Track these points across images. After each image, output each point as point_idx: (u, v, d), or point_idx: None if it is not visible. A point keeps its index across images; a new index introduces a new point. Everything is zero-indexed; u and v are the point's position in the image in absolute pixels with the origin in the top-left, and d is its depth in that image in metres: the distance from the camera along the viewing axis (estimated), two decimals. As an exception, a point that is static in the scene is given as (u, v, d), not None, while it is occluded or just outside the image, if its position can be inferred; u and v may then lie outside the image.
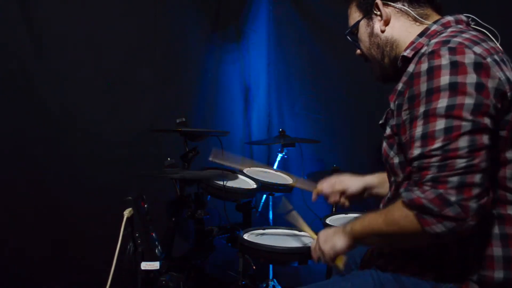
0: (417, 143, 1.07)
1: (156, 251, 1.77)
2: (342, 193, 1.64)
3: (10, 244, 2.38)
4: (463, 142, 1.02)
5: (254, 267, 2.07)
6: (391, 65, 1.33)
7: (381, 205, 1.38)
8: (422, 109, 1.07)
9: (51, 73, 2.47)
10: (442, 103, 1.04)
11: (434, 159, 1.03)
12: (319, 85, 3.12)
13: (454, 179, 1.01)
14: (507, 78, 1.09)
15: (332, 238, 1.31)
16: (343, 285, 1.26)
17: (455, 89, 1.04)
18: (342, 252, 1.30)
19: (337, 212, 2.52)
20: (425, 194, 1.03)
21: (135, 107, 2.72)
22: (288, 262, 1.96)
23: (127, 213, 1.70)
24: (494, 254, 1.10)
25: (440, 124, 1.04)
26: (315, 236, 1.63)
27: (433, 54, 1.08)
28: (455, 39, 1.11)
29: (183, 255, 2.25)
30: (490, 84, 1.05)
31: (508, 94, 1.08)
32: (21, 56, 2.39)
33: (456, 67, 1.05)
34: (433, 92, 1.06)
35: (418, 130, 1.07)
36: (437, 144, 1.03)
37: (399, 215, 1.10)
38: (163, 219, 2.52)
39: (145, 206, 1.83)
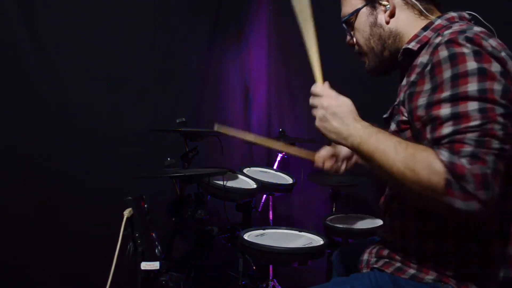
0: (448, 123, 1.01)
1: (156, 251, 1.77)
2: (337, 157, 1.67)
3: (10, 244, 2.38)
4: (499, 124, 0.98)
5: (254, 267, 2.07)
6: (390, 58, 1.30)
7: (381, 201, 1.36)
8: (448, 93, 1.02)
9: (50, 73, 2.47)
10: (473, 86, 1.00)
11: (470, 135, 0.97)
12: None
13: (491, 159, 0.96)
14: None
15: (342, 127, 1.15)
16: (342, 287, 1.25)
17: (484, 74, 1.01)
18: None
19: (337, 212, 2.53)
20: (472, 166, 0.95)
21: (135, 107, 2.72)
22: (288, 262, 1.96)
23: (127, 213, 1.70)
24: (494, 252, 1.10)
25: (473, 105, 0.99)
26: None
27: (452, 42, 1.06)
28: (471, 30, 1.09)
29: (183, 255, 2.25)
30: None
31: None
32: (21, 56, 2.40)
33: (480, 55, 1.03)
34: (459, 77, 1.02)
35: (446, 111, 1.01)
36: (475, 122, 0.98)
37: (424, 166, 1.00)
38: (163, 219, 2.52)
39: (145, 206, 1.83)
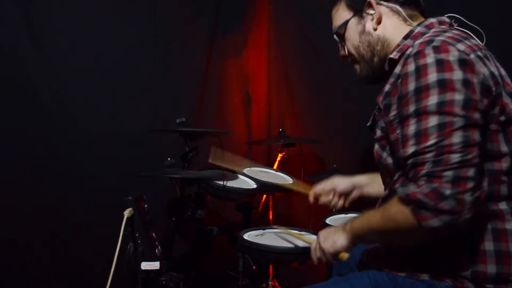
0: (411, 141, 1.08)
1: (156, 251, 1.77)
2: (334, 193, 1.65)
3: (10, 244, 2.38)
4: (456, 137, 1.03)
5: (254, 267, 2.07)
6: (379, 65, 1.34)
7: (377, 206, 1.38)
8: (412, 108, 1.09)
9: (50, 73, 2.47)
10: (433, 100, 1.06)
11: (428, 155, 1.04)
12: (319, 85, 3.11)
13: (449, 173, 1.02)
14: (491, 73, 1.11)
15: (333, 236, 1.31)
16: (342, 285, 1.26)
17: (444, 85, 1.06)
18: (343, 250, 1.30)
19: (337, 212, 2.52)
20: (420, 188, 1.03)
21: (135, 107, 2.72)
22: (288, 262, 1.96)
23: (127, 213, 1.69)
24: (486, 249, 1.11)
25: (433, 121, 1.05)
26: (309, 241, 1.65)
27: (419, 54, 1.11)
28: (438, 38, 1.14)
29: (183, 255, 2.25)
30: (475, 79, 1.07)
31: (493, 88, 1.10)
32: (21, 56, 2.40)
33: (442, 65, 1.07)
34: (422, 90, 1.08)
35: (412, 129, 1.08)
36: (431, 140, 1.04)
37: (395, 211, 1.10)
38: (163, 219, 2.53)
39: (145, 206, 1.83)
